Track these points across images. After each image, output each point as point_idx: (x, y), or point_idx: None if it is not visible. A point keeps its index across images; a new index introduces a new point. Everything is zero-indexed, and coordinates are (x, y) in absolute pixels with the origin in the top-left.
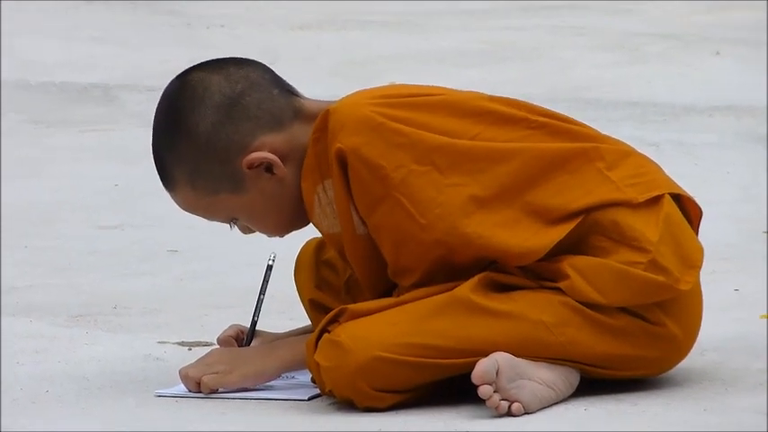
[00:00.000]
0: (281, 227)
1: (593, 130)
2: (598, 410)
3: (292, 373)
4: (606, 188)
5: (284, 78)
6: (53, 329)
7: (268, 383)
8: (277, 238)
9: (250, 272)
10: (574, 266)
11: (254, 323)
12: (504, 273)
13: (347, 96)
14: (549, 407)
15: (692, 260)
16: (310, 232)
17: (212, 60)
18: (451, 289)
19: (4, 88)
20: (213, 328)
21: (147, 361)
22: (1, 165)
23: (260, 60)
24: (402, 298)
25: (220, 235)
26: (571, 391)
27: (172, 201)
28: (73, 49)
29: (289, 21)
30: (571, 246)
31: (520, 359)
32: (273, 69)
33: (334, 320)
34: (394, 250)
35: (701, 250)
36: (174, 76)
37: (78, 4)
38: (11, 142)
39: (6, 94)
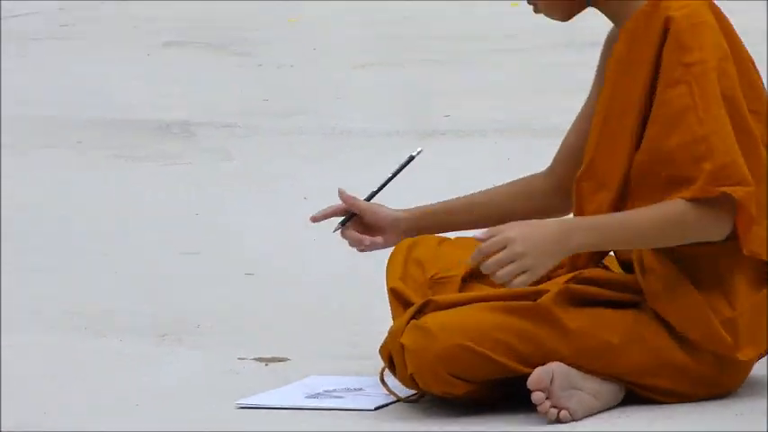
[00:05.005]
0: (568, 10)
1: None
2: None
3: (360, 386)
4: None
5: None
6: (141, 348)
7: (337, 395)
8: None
9: (317, 290)
10: None
11: (374, 193)
12: (584, 284)
13: None
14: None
15: None
16: None
17: None
18: (534, 295)
19: (90, 126)
20: (288, 344)
21: (227, 376)
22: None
23: (324, 96)
24: (485, 294)
25: (292, 258)
26: (616, 402)
27: (247, 226)
28: (154, 88)
29: (351, 60)
30: None
31: (574, 370)
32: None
33: (420, 311)
34: (658, 132)
35: None
36: None
37: (158, 48)
38: (95, 176)
39: (92, 131)
